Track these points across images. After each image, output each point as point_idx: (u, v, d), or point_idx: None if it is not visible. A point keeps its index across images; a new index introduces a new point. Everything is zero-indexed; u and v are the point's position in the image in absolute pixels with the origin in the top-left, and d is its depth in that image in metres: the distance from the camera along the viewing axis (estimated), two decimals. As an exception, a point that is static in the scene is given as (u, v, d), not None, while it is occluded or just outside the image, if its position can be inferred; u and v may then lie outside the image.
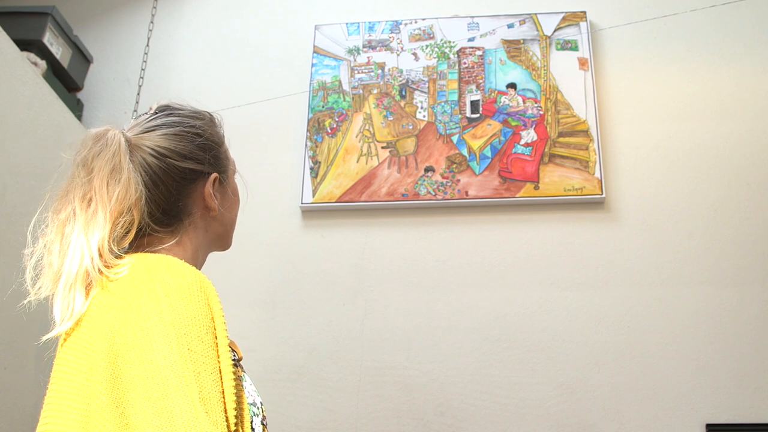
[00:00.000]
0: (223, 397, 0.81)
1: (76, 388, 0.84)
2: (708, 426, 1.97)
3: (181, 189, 1.02)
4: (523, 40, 2.49)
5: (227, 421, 0.80)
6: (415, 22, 2.57)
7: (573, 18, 2.50)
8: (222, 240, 1.12)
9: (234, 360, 0.93)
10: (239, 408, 0.84)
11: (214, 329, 0.85)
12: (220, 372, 0.82)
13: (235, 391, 0.83)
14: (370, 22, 2.60)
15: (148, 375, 0.77)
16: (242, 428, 0.85)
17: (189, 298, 0.84)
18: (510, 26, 2.52)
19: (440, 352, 2.15)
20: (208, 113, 1.14)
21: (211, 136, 1.10)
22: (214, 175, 1.07)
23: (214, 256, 1.19)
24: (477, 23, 2.54)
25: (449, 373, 2.12)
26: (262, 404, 0.96)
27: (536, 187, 2.28)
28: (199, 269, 1.05)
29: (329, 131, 2.45)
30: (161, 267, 0.88)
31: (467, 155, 2.35)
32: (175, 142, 1.04)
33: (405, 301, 2.23)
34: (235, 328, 2.22)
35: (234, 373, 0.85)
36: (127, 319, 0.82)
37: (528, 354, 2.12)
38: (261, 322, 2.26)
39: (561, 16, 2.51)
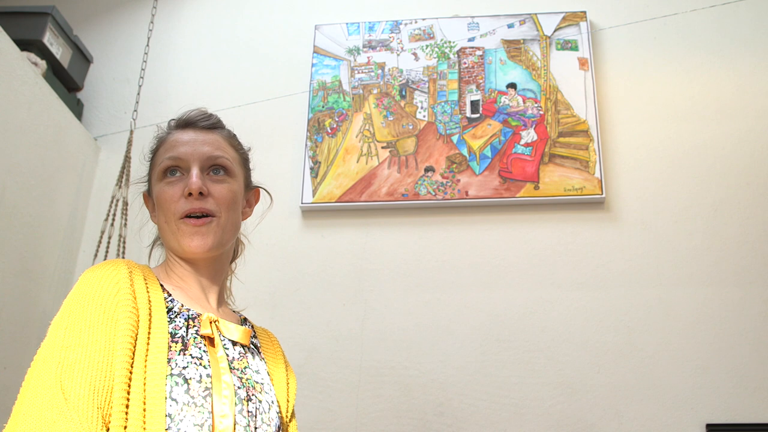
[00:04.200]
0: (107, 368, 0.87)
1: None
2: (708, 426, 1.97)
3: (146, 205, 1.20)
4: (523, 40, 2.49)
5: (95, 388, 0.85)
6: (415, 22, 2.57)
7: (573, 18, 2.50)
8: (176, 250, 1.11)
9: (177, 334, 0.98)
10: (123, 377, 0.88)
11: (116, 306, 0.92)
12: (112, 346, 0.89)
13: (120, 362, 0.88)
14: (370, 22, 2.60)
15: (36, 356, 0.89)
16: (132, 397, 0.88)
17: (88, 285, 0.94)
18: (510, 26, 2.52)
19: (440, 352, 2.15)
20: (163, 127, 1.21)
21: (151, 150, 1.19)
22: (144, 192, 1.18)
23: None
24: (477, 23, 2.54)
25: (449, 373, 2.12)
26: (210, 377, 0.96)
27: (536, 187, 2.28)
28: (206, 279, 1.12)
29: (329, 131, 2.45)
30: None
31: (467, 155, 2.35)
32: None
33: (405, 301, 2.23)
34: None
35: (125, 345, 0.90)
36: None
37: (528, 354, 2.12)
38: (261, 322, 2.25)
39: (561, 16, 2.51)
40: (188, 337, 0.99)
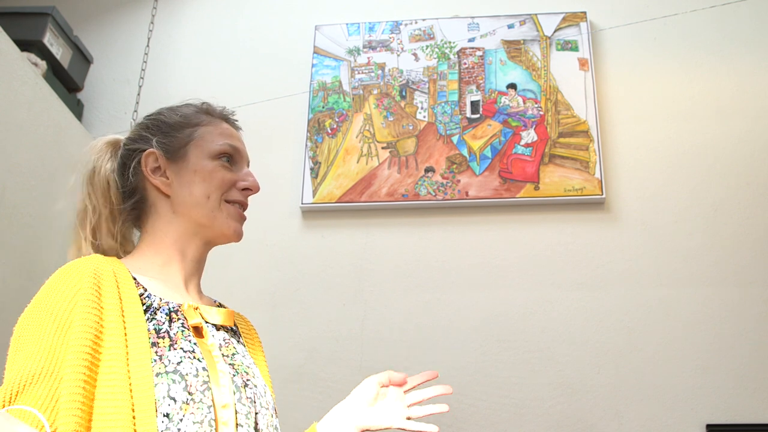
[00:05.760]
0: (53, 383, 0.82)
1: None
2: (708, 426, 1.97)
3: (131, 168, 1.10)
4: (524, 40, 2.49)
5: (44, 408, 0.80)
6: (416, 23, 2.57)
7: (573, 18, 2.50)
8: (205, 226, 1.07)
9: (157, 329, 0.94)
10: (76, 386, 0.82)
11: (70, 313, 0.86)
12: (61, 356, 0.84)
13: (75, 366, 0.83)
14: (370, 23, 2.60)
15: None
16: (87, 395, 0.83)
17: (45, 293, 0.90)
18: (510, 27, 2.52)
19: (440, 352, 2.15)
20: (193, 102, 1.22)
21: (169, 116, 1.16)
22: (148, 150, 1.10)
23: (215, 256, 1.18)
24: (477, 24, 2.54)
25: (449, 373, 2.12)
26: (205, 369, 0.92)
27: (536, 188, 2.28)
28: (194, 265, 1.09)
29: (329, 131, 2.45)
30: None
31: (467, 156, 2.35)
32: (132, 131, 1.15)
33: (405, 301, 2.23)
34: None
35: (78, 350, 0.84)
36: None
37: (528, 354, 2.12)
38: (261, 322, 2.25)
39: (561, 16, 2.51)
40: (174, 332, 0.95)
